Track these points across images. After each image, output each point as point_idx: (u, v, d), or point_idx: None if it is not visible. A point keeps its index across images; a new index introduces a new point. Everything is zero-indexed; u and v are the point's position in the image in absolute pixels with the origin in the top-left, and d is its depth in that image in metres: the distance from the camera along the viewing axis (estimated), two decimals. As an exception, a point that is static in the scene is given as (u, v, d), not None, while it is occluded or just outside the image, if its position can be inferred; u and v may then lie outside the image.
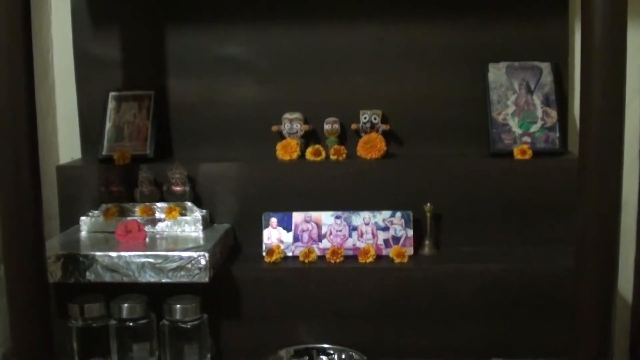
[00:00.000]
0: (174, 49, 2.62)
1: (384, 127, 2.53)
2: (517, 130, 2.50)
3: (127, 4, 2.63)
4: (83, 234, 2.40)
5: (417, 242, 2.42)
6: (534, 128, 2.50)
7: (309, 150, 2.49)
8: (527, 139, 2.49)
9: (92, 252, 2.17)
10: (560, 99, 2.53)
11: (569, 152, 2.51)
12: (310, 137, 2.58)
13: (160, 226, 2.40)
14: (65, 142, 2.74)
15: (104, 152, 2.56)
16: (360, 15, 2.57)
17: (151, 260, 2.14)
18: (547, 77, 2.53)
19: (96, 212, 2.43)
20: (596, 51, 1.82)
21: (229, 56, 2.61)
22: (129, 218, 2.39)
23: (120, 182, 2.46)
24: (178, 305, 2.24)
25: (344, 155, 2.48)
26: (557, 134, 2.49)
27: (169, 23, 2.62)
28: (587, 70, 1.85)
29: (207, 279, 2.14)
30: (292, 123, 2.54)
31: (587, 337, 1.96)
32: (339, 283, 2.31)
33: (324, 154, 2.49)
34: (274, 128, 2.55)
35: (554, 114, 2.50)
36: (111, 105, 2.60)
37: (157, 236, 2.36)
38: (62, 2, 2.66)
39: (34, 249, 1.93)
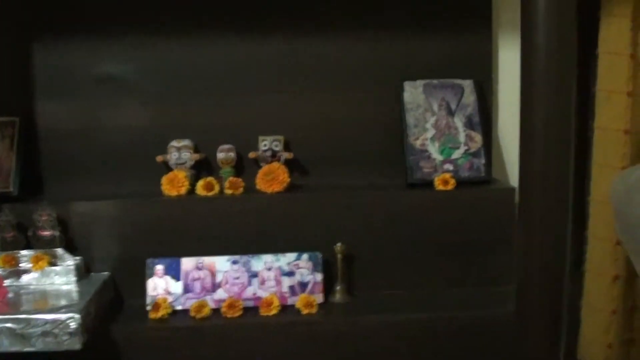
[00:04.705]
0: (43, 66, 2.26)
1: (286, 155, 2.22)
2: (438, 157, 2.22)
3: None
4: None
5: (327, 287, 2.10)
6: (456, 154, 2.22)
7: (200, 183, 2.16)
8: (449, 166, 2.21)
9: (-64, 317, 1.80)
10: (484, 120, 2.26)
11: (494, 180, 2.24)
12: (202, 167, 2.26)
13: (26, 278, 2.04)
14: None
15: (-41, 192, 2.18)
16: (262, 27, 2.26)
17: (11, 325, 1.79)
18: (470, 97, 2.26)
19: (-50, 263, 2.06)
20: (539, 71, 1.58)
21: (108, 75, 2.27)
22: (-13, 270, 2.02)
23: (-23, 228, 2.09)
24: (45, 378, 1.88)
25: (241, 189, 2.16)
26: (483, 160, 2.21)
27: (36, 36, 2.25)
28: (528, 94, 1.61)
29: (79, 346, 1.79)
30: (180, 152, 2.21)
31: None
32: (238, 342, 1.98)
33: (217, 188, 2.16)
34: (159, 158, 2.21)
35: (478, 137, 2.23)
36: (-32, 135, 2.23)
37: (22, 291, 2.00)
38: None
39: None
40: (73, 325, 1.78)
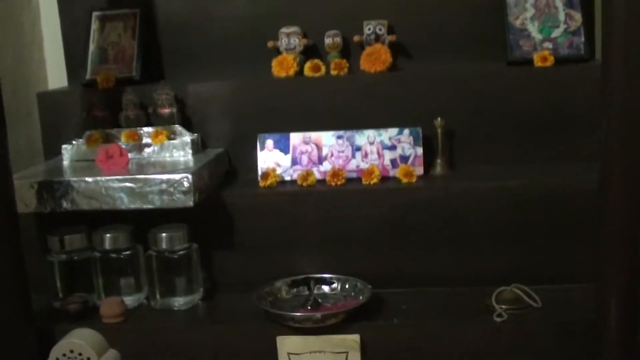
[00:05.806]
0: (161, -38, 2.41)
1: (390, 38, 2.30)
2: (537, 36, 2.26)
3: None
4: (65, 163, 2.22)
5: (428, 161, 2.19)
6: (555, 33, 2.26)
7: (307, 65, 2.27)
8: (548, 44, 2.25)
9: (67, 178, 1.99)
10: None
11: (595, 59, 2.25)
12: (311, 52, 2.36)
13: (147, 152, 2.21)
14: (54, 70, 2.56)
15: (88, 76, 2.38)
16: None
17: (130, 184, 1.96)
18: (571, -24, 2.28)
19: (80, 140, 2.24)
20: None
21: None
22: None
23: (104, 107, 2.28)
24: (163, 234, 2.05)
25: (346, 70, 2.27)
26: (582, 39, 2.24)
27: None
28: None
29: (191, 203, 1.94)
30: (289, 38, 2.32)
31: (612, 260, 1.76)
32: (340, 207, 2.09)
33: (323, 69, 2.27)
34: (270, 44, 2.33)
35: (578, 16, 2.26)
36: (95, 26, 2.42)
37: (144, 162, 2.17)
38: None
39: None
40: (186, 184, 1.93)
